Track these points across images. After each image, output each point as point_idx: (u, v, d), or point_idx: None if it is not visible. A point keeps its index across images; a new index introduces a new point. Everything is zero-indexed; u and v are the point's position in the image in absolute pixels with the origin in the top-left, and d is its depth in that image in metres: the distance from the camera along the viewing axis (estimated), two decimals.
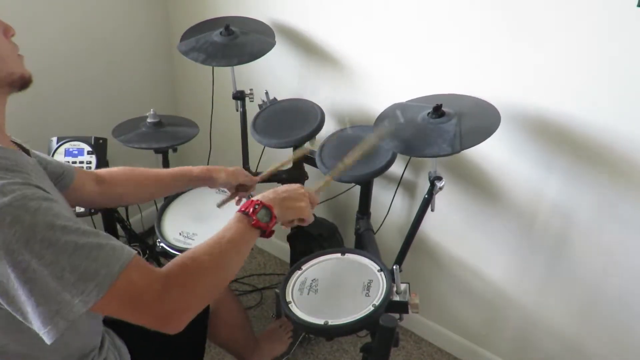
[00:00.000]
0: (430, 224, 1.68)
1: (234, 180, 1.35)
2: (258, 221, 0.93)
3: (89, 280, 0.74)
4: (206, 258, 0.86)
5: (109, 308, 0.78)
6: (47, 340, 0.73)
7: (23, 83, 0.87)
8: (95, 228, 0.80)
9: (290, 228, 1.85)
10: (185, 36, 1.67)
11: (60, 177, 1.06)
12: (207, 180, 1.34)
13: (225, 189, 1.54)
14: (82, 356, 0.97)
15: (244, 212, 0.94)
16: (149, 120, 1.70)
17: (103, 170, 1.20)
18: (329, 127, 1.68)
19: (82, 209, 1.50)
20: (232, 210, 1.46)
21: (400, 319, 1.13)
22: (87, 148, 1.57)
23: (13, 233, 0.70)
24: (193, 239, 1.41)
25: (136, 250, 1.17)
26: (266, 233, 0.95)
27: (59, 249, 0.72)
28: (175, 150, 1.72)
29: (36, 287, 0.71)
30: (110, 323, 1.13)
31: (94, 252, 0.75)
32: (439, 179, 1.30)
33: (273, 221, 0.96)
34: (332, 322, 1.07)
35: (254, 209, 0.94)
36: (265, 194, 0.99)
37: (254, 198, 0.97)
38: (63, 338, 0.74)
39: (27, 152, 0.94)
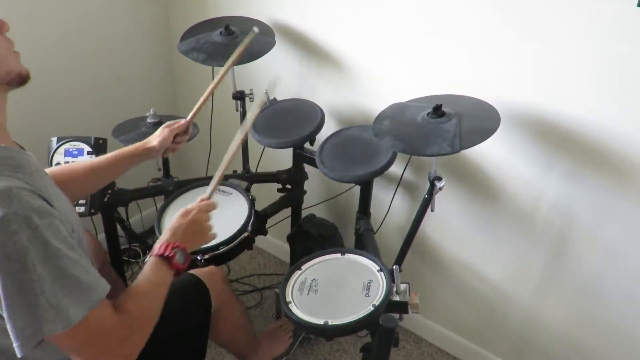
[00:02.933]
0: (430, 224, 1.68)
1: (167, 139, 1.37)
2: (177, 264, 0.99)
3: (58, 312, 0.76)
4: (149, 303, 0.94)
5: (71, 345, 0.81)
6: (18, 354, 0.76)
7: (21, 80, 0.87)
8: (79, 254, 0.82)
9: (290, 228, 1.87)
10: (185, 36, 1.67)
11: None
12: (145, 154, 1.35)
13: (225, 189, 1.55)
14: None
15: (162, 257, 0.98)
16: (149, 120, 1.70)
17: (47, 171, 1.22)
18: (329, 127, 1.68)
19: (82, 209, 1.50)
20: (229, 207, 1.49)
21: (400, 319, 1.13)
22: (87, 148, 1.57)
23: (13, 242, 0.71)
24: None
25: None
26: (180, 273, 1.01)
27: (47, 270, 0.75)
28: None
29: (13, 303, 0.74)
30: None
31: (73, 286, 0.78)
32: (439, 179, 1.30)
33: (187, 262, 1.02)
34: (332, 322, 1.07)
35: (173, 253, 0.98)
36: (171, 233, 1.03)
37: (165, 240, 1.01)
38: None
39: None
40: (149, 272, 0.96)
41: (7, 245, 0.71)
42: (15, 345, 0.76)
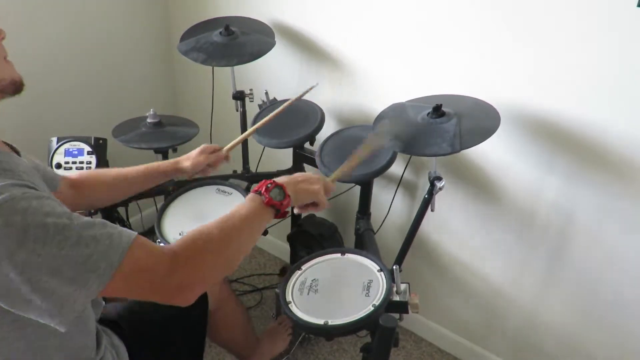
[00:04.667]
0: (430, 224, 1.68)
1: (200, 165, 1.36)
2: (271, 199, 0.93)
3: (89, 274, 0.74)
4: (216, 232, 0.86)
5: (117, 290, 0.78)
6: (61, 329, 0.75)
7: (15, 88, 0.85)
8: (86, 219, 0.79)
9: (290, 228, 1.87)
10: (185, 36, 1.67)
11: (51, 181, 1.06)
12: (175, 172, 1.34)
13: (225, 189, 1.55)
14: (80, 356, 0.97)
15: (256, 192, 0.94)
16: (149, 120, 1.70)
17: (74, 175, 1.20)
18: (329, 127, 1.68)
19: (81, 210, 1.50)
20: (229, 207, 1.47)
21: (400, 319, 1.13)
22: (87, 148, 1.57)
23: (7, 235, 0.70)
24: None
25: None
26: (280, 212, 0.95)
27: (54, 247, 0.72)
28: (175, 150, 1.71)
29: (37, 285, 0.72)
30: (108, 322, 1.12)
31: (91, 245, 0.74)
32: (439, 179, 1.30)
33: (287, 199, 0.95)
34: (332, 322, 1.07)
35: (267, 187, 0.94)
36: (280, 177, 0.99)
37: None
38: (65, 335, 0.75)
39: (18, 154, 0.94)
40: (238, 205, 0.92)
41: (1, 240, 0.70)
42: (55, 323, 0.74)
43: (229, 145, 1.44)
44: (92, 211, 1.54)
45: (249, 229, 0.91)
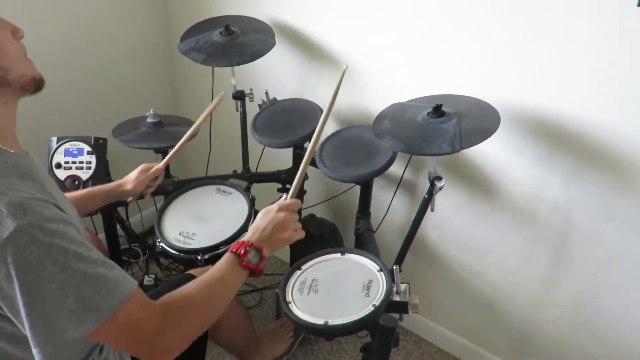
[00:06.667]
0: (430, 224, 1.68)
1: (142, 184, 1.41)
2: (248, 262, 0.97)
3: (88, 312, 0.76)
4: (199, 296, 0.91)
5: (104, 336, 0.80)
6: (37, 358, 0.76)
7: (36, 86, 0.87)
8: (99, 254, 0.81)
9: None
10: (185, 36, 1.67)
11: None
12: (119, 194, 1.39)
13: (225, 189, 1.55)
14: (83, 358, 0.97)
15: (234, 253, 0.98)
16: (149, 120, 1.70)
17: None
18: (329, 127, 1.68)
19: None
20: (229, 207, 1.49)
21: (400, 319, 1.13)
22: (87, 148, 1.57)
23: (29, 253, 0.71)
24: (193, 239, 1.41)
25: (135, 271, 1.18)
26: (255, 273, 0.99)
27: (69, 275, 0.73)
28: None
29: (36, 310, 0.73)
30: None
31: (99, 284, 0.76)
32: (439, 179, 1.30)
33: (262, 261, 1.00)
34: (332, 322, 1.07)
35: (245, 250, 0.98)
36: (251, 232, 1.03)
37: (244, 239, 1.01)
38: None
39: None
40: (216, 267, 0.96)
41: (21, 256, 0.70)
42: (35, 351, 0.75)
43: (166, 158, 1.49)
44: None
45: (226, 291, 0.96)
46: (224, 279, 0.95)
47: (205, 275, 0.94)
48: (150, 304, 0.84)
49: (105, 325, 0.77)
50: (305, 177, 1.79)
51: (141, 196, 1.46)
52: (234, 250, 0.98)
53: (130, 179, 1.40)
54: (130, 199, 1.43)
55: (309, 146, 1.14)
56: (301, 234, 1.09)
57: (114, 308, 0.77)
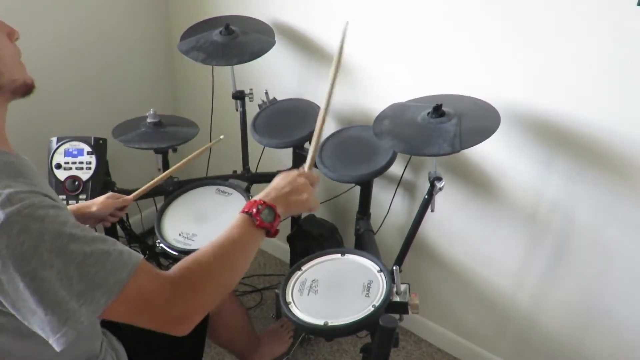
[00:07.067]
0: (430, 224, 1.68)
1: (107, 209, 1.34)
2: (262, 221, 0.91)
3: (97, 289, 0.74)
4: (212, 260, 0.86)
5: (118, 313, 0.78)
6: (57, 348, 0.74)
7: (26, 90, 0.85)
8: (97, 233, 0.79)
9: (290, 228, 1.87)
10: (185, 35, 1.67)
11: None
12: (81, 215, 1.32)
13: (225, 189, 1.54)
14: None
15: (247, 213, 0.92)
16: (149, 120, 1.70)
17: None
18: (329, 127, 1.67)
19: None
20: (229, 208, 1.49)
21: (400, 319, 1.13)
22: (87, 148, 1.57)
23: (22, 242, 0.70)
24: (193, 240, 1.41)
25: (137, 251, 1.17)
26: (271, 232, 0.94)
27: (67, 258, 0.72)
28: (175, 150, 1.71)
29: (45, 297, 0.72)
30: (108, 324, 1.12)
31: (102, 259, 0.75)
32: (439, 179, 1.30)
33: (277, 220, 0.94)
34: (332, 322, 1.07)
35: (257, 209, 0.92)
36: (267, 191, 0.97)
37: (256, 197, 0.95)
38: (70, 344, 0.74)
39: None
40: (229, 229, 0.91)
41: (15, 247, 0.70)
42: (52, 340, 0.74)
43: (136, 192, 1.43)
44: None
45: (243, 253, 0.90)
46: (240, 241, 0.89)
47: (218, 239, 0.89)
48: (158, 274, 0.81)
49: (117, 301, 0.75)
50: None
51: (102, 221, 1.39)
52: (245, 210, 0.92)
53: (95, 202, 1.34)
54: (90, 222, 1.36)
55: (320, 114, 1.08)
56: (318, 205, 1.02)
57: (122, 281, 0.75)
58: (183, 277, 0.82)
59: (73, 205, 1.33)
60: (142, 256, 0.81)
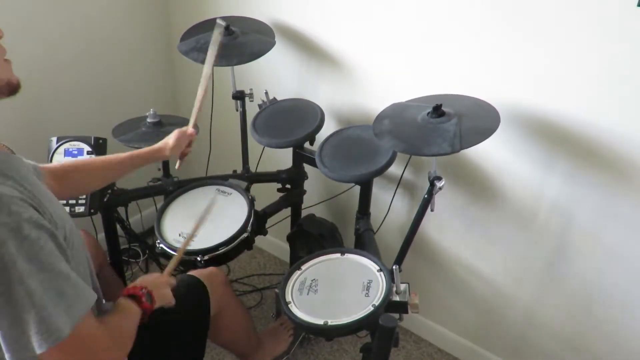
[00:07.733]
0: (430, 224, 1.68)
1: (178, 150, 1.40)
2: (146, 304, 1.03)
3: (51, 323, 0.76)
4: (128, 327, 0.98)
5: (59, 355, 0.80)
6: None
7: (10, 90, 0.85)
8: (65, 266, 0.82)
9: (290, 228, 1.87)
10: (185, 36, 1.67)
11: (40, 177, 1.06)
12: (158, 157, 1.39)
13: (225, 189, 1.55)
14: None
15: (131, 296, 1.03)
16: (149, 120, 1.70)
17: (54, 166, 1.21)
18: (329, 127, 1.68)
19: (81, 209, 1.50)
20: (229, 208, 1.49)
21: (400, 319, 1.13)
22: (87, 148, 1.57)
23: (0, 255, 0.71)
24: (193, 240, 1.40)
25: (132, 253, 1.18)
26: (146, 314, 1.04)
27: (35, 283, 0.74)
28: None
29: (2, 316, 0.74)
30: None
31: (62, 297, 0.78)
32: (439, 179, 1.30)
33: (154, 304, 1.05)
34: (331, 322, 1.07)
35: (142, 293, 1.03)
36: (141, 281, 1.08)
37: (135, 285, 1.06)
38: None
39: (12, 153, 0.93)
40: (121, 306, 1.01)
41: None
42: (7, 355, 0.76)
43: (192, 122, 1.47)
44: (92, 210, 1.54)
45: (134, 330, 1.01)
46: (134, 320, 1.02)
47: (122, 314, 1.00)
48: (98, 322, 0.87)
49: (63, 344, 0.78)
50: (305, 176, 1.79)
51: (181, 157, 1.45)
52: (130, 293, 1.04)
53: (167, 146, 1.38)
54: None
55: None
56: (173, 301, 1.14)
57: (70, 325, 0.78)
58: (117, 332, 0.94)
59: (146, 152, 1.37)
60: (95, 298, 0.86)
